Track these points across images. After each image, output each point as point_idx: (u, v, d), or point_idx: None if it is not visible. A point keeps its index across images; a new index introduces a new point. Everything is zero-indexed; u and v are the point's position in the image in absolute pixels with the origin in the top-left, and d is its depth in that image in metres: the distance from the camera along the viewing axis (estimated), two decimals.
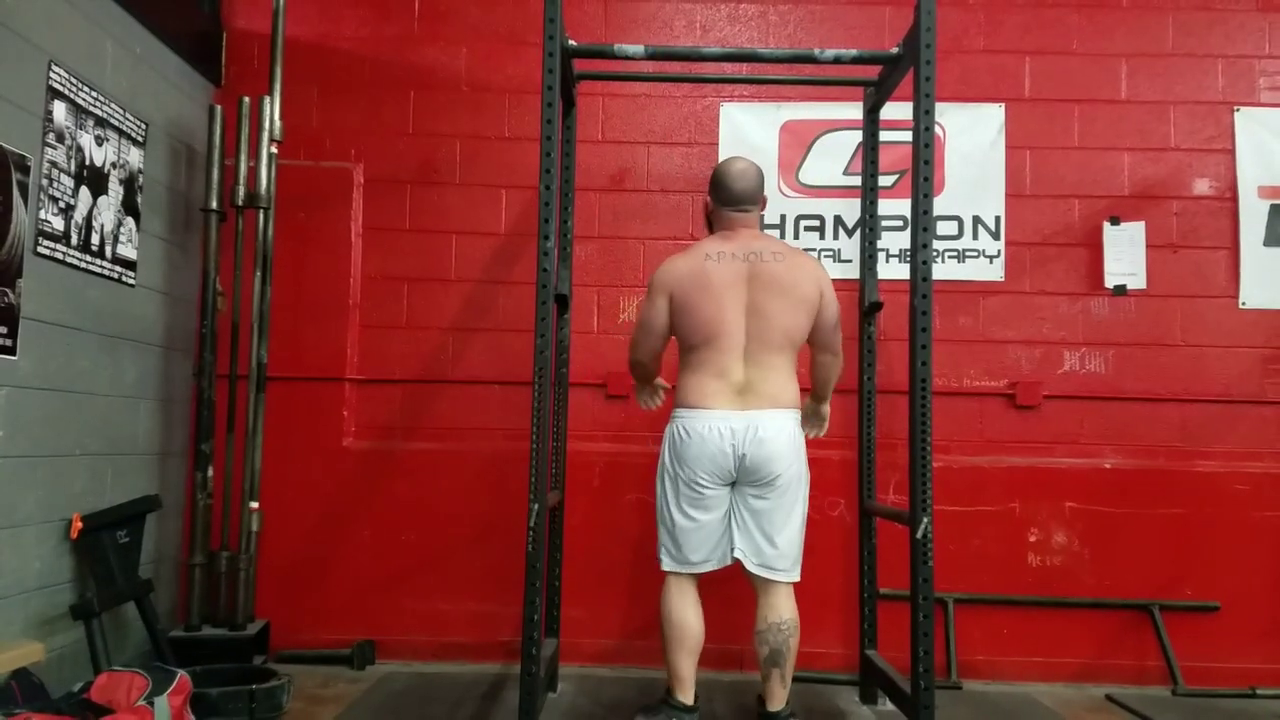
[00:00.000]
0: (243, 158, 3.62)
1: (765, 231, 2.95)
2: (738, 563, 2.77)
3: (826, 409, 3.08)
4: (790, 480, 2.76)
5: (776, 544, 2.75)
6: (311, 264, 3.84)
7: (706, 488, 2.76)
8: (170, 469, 3.66)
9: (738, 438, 2.71)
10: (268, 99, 3.63)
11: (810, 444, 3.70)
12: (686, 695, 2.78)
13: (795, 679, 3.52)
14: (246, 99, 3.62)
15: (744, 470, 2.73)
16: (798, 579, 2.80)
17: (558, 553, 3.35)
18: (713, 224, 2.94)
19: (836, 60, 2.99)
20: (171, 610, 3.64)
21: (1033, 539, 3.73)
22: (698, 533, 2.77)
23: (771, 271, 2.74)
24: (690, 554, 2.78)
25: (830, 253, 3.90)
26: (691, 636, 2.77)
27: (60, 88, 2.92)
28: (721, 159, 2.93)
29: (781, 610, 2.76)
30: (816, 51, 3.00)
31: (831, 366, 2.95)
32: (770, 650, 2.75)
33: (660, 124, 3.96)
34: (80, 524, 2.96)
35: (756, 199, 2.86)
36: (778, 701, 2.78)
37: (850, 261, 3.84)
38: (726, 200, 2.84)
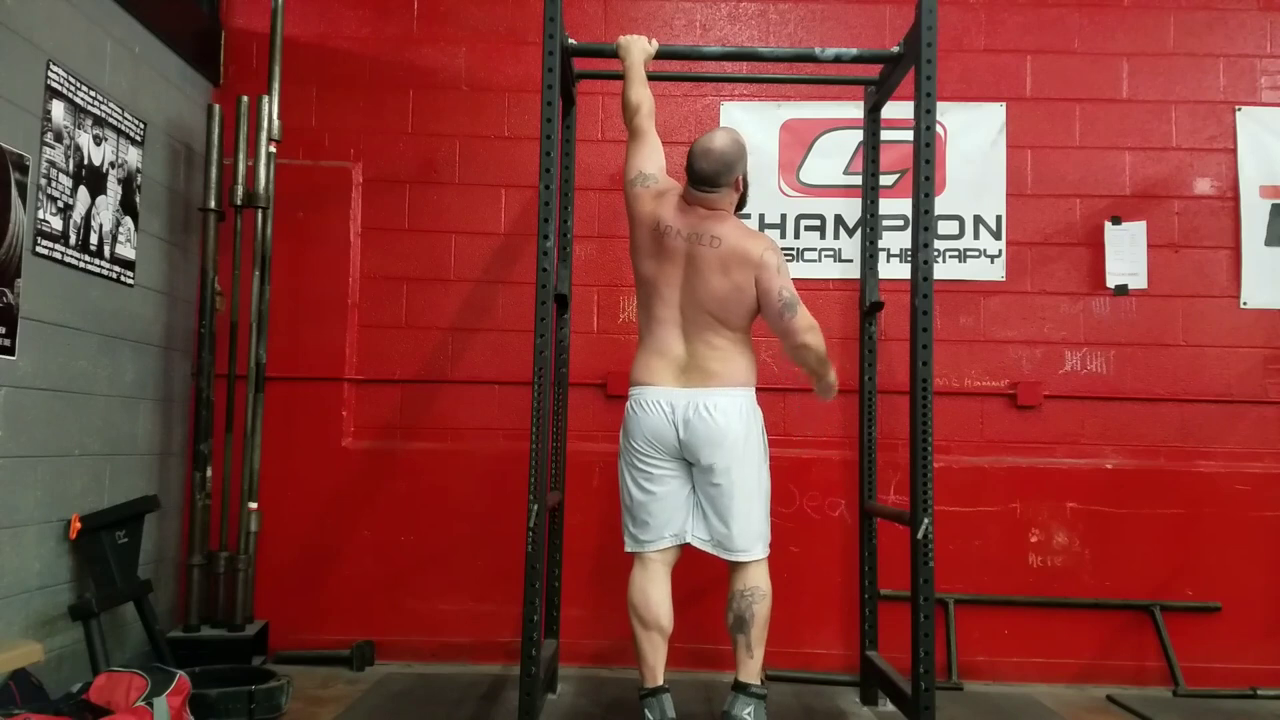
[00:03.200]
0: (241, 157, 3.61)
1: (738, 218, 2.83)
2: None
3: (829, 379, 2.86)
4: (736, 458, 2.69)
5: (730, 527, 2.71)
6: (310, 264, 3.84)
7: (653, 461, 2.74)
8: (169, 469, 3.65)
9: (677, 414, 2.69)
10: (266, 98, 3.63)
11: (811, 444, 3.78)
12: (653, 679, 2.72)
13: (795, 680, 3.56)
14: (245, 98, 3.62)
15: (687, 447, 2.70)
16: (760, 555, 2.75)
17: (558, 553, 3.34)
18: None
19: (837, 59, 2.99)
20: (170, 611, 3.63)
21: (1033, 539, 3.73)
22: (651, 505, 2.74)
23: (704, 256, 2.69)
24: (645, 530, 2.76)
25: (831, 252, 3.90)
26: (653, 614, 2.71)
27: (59, 87, 2.91)
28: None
29: (749, 579, 2.73)
30: (817, 50, 3.00)
31: (799, 353, 2.79)
32: (735, 616, 2.73)
33: (660, 123, 3.83)
34: (79, 524, 2.95)
35: (718, 182, 2.71)
36: (744, 672, 2.72)
37: (851, 261, 3.84)
38: (689, 177, 2.75)
